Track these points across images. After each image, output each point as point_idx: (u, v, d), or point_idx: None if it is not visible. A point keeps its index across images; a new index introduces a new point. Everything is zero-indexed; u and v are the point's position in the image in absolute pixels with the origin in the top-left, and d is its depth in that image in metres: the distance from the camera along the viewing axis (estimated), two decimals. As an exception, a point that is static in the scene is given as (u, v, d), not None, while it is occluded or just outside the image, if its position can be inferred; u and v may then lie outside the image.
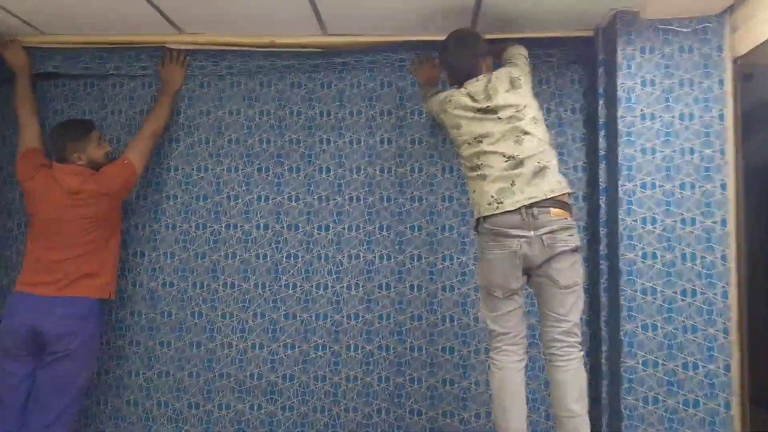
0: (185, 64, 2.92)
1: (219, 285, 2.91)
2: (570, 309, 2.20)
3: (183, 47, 2.88)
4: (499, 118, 2.28)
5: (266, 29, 2.75)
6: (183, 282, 2.93)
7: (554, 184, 2.22)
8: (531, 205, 2.17)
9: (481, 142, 2.29)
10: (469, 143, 2.32)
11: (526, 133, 2.25)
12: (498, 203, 2.21)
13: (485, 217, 2.24)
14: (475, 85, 2.34)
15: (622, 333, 2.47)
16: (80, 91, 3.03)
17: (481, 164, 2.28)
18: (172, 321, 2.92)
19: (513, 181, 2.22)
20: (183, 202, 2.96)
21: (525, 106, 2.29)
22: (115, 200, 2.71)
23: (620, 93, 2.53)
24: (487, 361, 2.76)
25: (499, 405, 2.19)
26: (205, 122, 2.98)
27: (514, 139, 2.25)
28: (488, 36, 2.58)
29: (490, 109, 2.29)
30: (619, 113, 2.53)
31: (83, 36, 2.83)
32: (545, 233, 2.17)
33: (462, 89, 2.37)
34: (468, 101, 2.33)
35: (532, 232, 2.17)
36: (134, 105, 3.00)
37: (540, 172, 2.22)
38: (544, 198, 2.18)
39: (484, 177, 2.26)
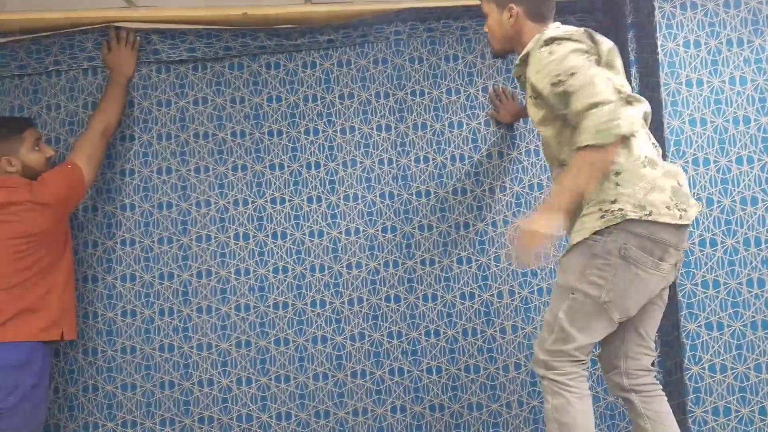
0: (136, 46, 2.43)
1: (192, 310, 2.43)
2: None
3: (133, 26, 2.41)
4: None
5: (236, -1, 2.31)
6: (147, 309, 2.43)
7: None
8: None
9: (631, 102, 1.78)
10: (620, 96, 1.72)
11: None
12: (681, 210, 1.68)
13: (657, 222, 1.67)
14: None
15: (683, 335, 2.13)
16: (6, 84, 2.50)
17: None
18: (136, 358, 2.41)
19: (678, 181, 1.73)
20: (142, 212, 2.46)
21: None
22: (59, 213, 2.19)
23: (660, 57, 2.20)
24: (517, 379, 2.38)
25: None
26: (164, 115, 2.49)
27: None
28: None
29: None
30: (661, 80, 2.20)
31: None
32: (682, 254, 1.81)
33: None
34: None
35: (681, 254, 1.78)
36: (75, 98, 2.49)
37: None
38: None
39: (652, 162, 1.72)
